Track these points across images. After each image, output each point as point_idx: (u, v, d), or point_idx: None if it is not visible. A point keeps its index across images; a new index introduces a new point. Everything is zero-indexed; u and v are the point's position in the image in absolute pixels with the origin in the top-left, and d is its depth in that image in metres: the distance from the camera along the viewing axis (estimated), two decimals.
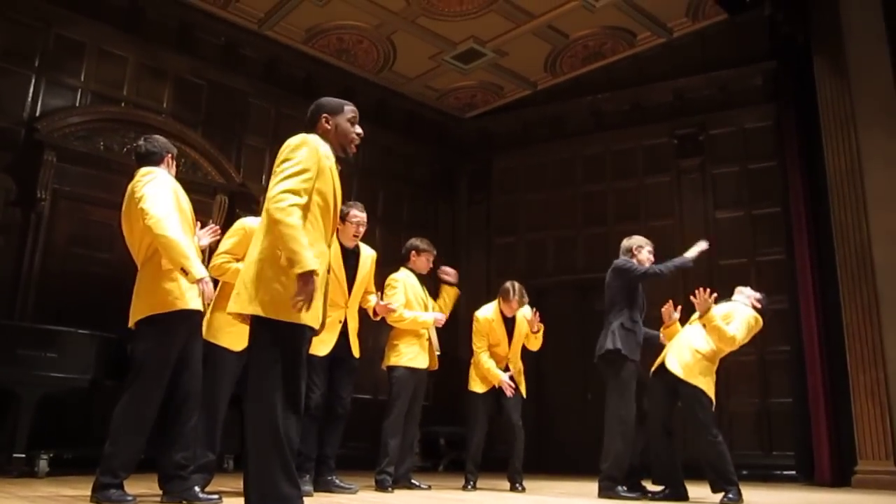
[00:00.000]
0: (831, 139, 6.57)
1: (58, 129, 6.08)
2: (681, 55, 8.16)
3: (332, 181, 2.57)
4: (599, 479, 4.50)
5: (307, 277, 2.36)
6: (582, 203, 8.67)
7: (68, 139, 6.13)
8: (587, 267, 8.18)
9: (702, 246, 4.62)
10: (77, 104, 6.35)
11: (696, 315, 4.57)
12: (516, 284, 5.20)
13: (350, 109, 2.72)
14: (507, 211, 9.17)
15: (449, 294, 5.32)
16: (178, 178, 3.62)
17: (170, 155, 3.61)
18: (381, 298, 4.77)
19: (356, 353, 4.56)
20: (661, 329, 4.90)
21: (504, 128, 9.40)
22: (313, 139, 2.57)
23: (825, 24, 6.82)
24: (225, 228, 4.23)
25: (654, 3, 7.53)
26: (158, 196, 3.30)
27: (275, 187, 2.46)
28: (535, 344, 5.25)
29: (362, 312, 4.73)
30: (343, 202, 3.00)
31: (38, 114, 6.09)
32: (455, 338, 7.14)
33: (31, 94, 6.10)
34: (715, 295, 4.49)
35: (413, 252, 5.13)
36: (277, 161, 2.53)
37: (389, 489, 4.62)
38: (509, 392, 5.03)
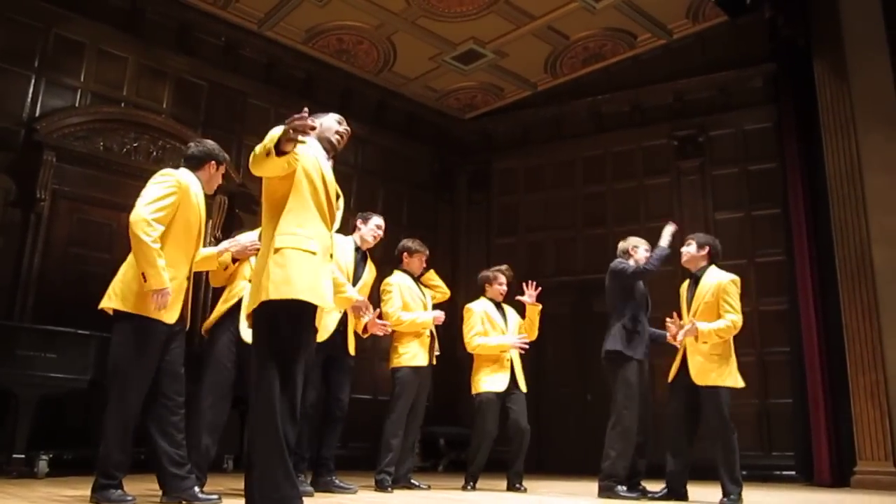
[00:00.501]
0: (831, 141, 6.57)
1: (57, 130, 6.07)
2: (681, 57, 8.18)
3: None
4: (599, 479, 4.49)
5: None
6: (582, 204, 8.67)
7: (68, 139, 6.13)
8: (587, 268, 8.19)
9: (670, 229, 4.63)
10: (77, 104, 6.35)
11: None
12: (490, 269, 5.35)
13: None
14: (507, 212, 9.18)
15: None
16: None
17: (213, 162, 3.55)
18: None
19: (352, 350, 4.55)
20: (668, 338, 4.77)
21: (504, 129, 9.41)
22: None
23: (825, 27, 6.83)
24: (225, 229, 4.23)
25: (654, 5, 7.54)
26: (155, 197, 3.28)
27: None
28: (532, 331, 5.19)
29: None
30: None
31: (37, 114, 6.07)
32: (455, 338, 7.11)
33: (30, 95, 6.09)
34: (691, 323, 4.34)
35: (405, 254, 5.10)
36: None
37: (389, 489, 4.61)
38: (524, 346, 5.04)
